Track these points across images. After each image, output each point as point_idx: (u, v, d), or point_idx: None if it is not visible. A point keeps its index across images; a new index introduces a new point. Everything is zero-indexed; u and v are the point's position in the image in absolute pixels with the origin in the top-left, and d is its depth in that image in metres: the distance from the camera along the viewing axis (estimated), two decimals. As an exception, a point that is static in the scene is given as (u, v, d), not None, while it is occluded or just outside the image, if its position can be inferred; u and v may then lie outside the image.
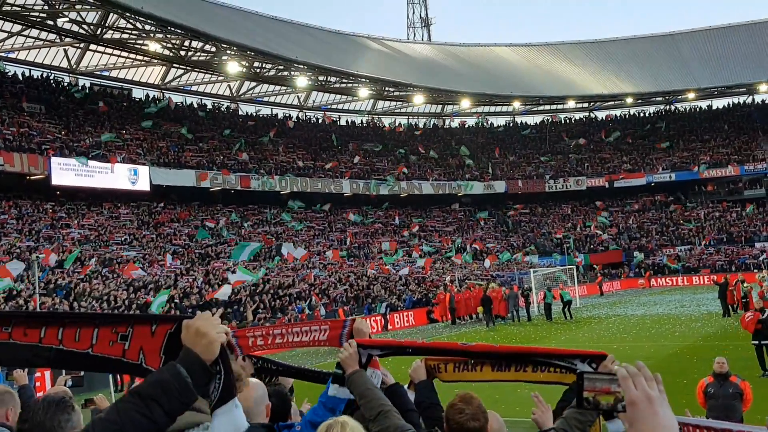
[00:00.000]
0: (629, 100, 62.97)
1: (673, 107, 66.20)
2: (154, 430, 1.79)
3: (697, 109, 65.69)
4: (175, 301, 27.37)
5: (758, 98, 63.46)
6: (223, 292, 27.20)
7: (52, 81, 43.31)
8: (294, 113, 58.44)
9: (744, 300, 25.02)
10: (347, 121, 60.08)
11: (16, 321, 2.13)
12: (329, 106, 60.27)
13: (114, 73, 47.74)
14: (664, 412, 1.47)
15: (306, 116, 59.14)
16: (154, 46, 43.43)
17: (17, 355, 2.14)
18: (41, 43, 42.43)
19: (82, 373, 4.63)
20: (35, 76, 42.84)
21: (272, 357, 4.37)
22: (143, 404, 1.77)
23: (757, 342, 15.10)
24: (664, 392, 1.52)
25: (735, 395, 8.34)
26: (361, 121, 61.13)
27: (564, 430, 3.12)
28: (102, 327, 2.10)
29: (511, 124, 67.50)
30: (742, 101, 64.35)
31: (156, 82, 49.60)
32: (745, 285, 26.05)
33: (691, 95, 61.90)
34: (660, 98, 64.56)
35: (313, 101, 59.90)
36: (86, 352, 2.09)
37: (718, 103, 65.53)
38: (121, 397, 1.84)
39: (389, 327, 31.17)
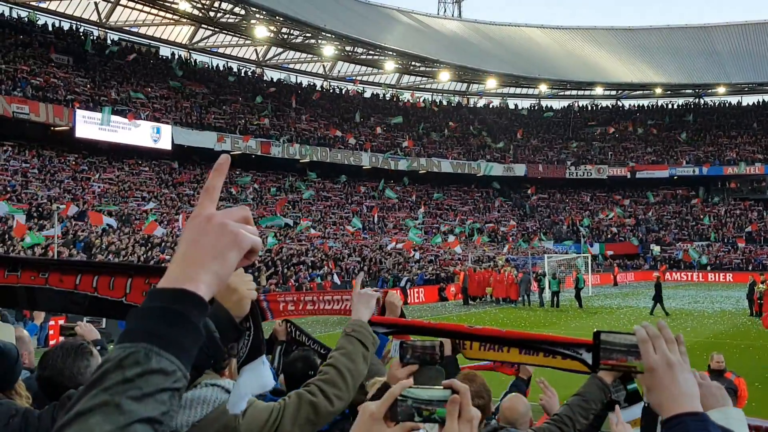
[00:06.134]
0: (658, 90, 62.10)
1: (701, 101, 65.24)
2: None
3: (726, 105, 64.68)
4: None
5: (790, 97, 62.37)
6: None
7: (81, 34, 43.40)
8: (318, 82, 58.26)
9: (759, 301, 24.90)
10: (371, 94, 59.77)
11: (52, 267, 2.17)
12: (354, 77, 59.98)
13: (142, 30, 47.75)
14: (684, 378, 1.38)
15: (330, 86, 58.93)
16: (184, 5, 43.34)
17: (54, 301, 2.18)
18: (72, -6, 42.52)
19: (104, 324, 4.69)
20: (65, 28, 42.95)
21: (303, 327, 4.39)
22: None
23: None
24: (686, 355, 1.43)
25: (729, 391, 8.33)
26: (384, 94, 60.79)
27: (567, 416, 3.14)
28: (136, 277, 2.13)
29: (536, 107, 66.87)
30: (772, 99, 63.30)
31: (183, 42, 49.56)
32: (760, 286, 25.88)
33: (721, 90, 60.93)
34: (689, 91, 63.60)
35: (338, 71, 59.60)
36: (120, 301, 2.12)
37: (748, 100, 64.53)
38: None
39: (408, 302, 31.40)
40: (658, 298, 26.31)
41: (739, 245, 49.83)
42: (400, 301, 3.77)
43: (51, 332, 18.66)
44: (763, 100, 63.57)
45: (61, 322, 18.03)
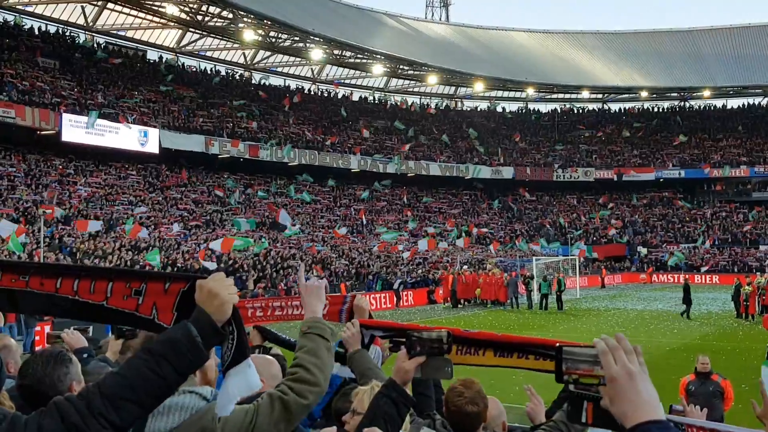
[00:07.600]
0: (644, 93, 62.50)
1: (687, 104, 65.73)
2: (164, 387, 1.81)
3: (712, 108, 65.21)
4: (178, 265, 27.50)
5: (774, 100, 62.93)
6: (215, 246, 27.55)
7: (67, 37, 43.15)
8: (307, 85, 58.22)
9: (745, 303, 25.18)
10: (359, 97, 59.79)
11: (33, 271, 2.17)
12: (342, 81, 59.98)
13: (130, 34, 47.54)
14: (645, 387, 1.42)
15: (319, 89, 58.91)
16: (171, 9, 43.19)
17: (35, 304, 2.18)
18: (59, -3, 42.23)
19: (90, 331, 4.68)
20: (51, 32, 42.68)
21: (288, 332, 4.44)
22: (154, 361, 1.78)
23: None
24: (645, 365, 1.47)
25: (715, 393, 8.37)
26: (373, 97, 60.84)
27: (563, 422, 3.13)
28: (117, 281, 2.14)
29: (524, 111, 67.14)
30: (757, 102, 63.84)
31: (171, 46, 49.40)
32: (746, 288, 26.13)
33: (706, 93, 61.40)
34: (675, 94, 64.06)
35: (327, 74, 59.58)
36: (101, 304, 2.12)
37: (733, 103, 65.07)
38: (134, 353, 1.86)
39: (400, 304, 31.49)
40: (687, 301, 26.19)
41: (707, 245, 50.24)
42: (368, 304, 3.80)
43: (37, 338, 18.50)
44: (748, 103, 64.16)
45: (48, 329, 17.91)
